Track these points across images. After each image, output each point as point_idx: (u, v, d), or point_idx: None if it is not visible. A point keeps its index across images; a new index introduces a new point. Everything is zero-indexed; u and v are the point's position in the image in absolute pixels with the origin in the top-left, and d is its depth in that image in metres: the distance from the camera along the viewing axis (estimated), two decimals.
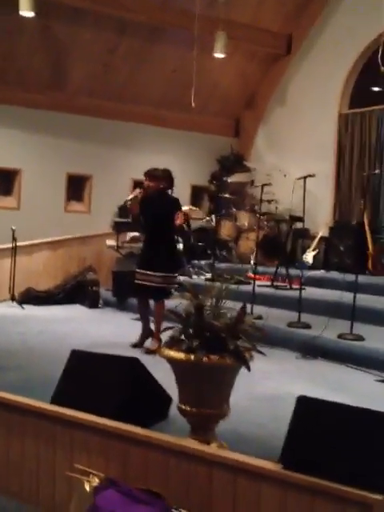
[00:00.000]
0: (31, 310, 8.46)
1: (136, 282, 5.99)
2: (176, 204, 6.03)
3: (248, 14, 10.12)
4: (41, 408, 3.32)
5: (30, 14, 7.93)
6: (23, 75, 9.50)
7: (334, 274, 8.43)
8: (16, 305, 8.63)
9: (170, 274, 5.96)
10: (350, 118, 10.04)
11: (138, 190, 6.09)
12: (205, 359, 3.04)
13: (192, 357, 3.06)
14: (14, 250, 8.82)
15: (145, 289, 5.98)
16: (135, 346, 6.03)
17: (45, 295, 9.18)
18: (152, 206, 5.97)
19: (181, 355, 3.10)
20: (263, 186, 7.40)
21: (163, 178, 6.02)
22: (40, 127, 9.82)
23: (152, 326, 6.14)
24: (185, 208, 10.12)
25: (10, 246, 8.83)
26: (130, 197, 6.12)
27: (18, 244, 8.87)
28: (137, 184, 10.16)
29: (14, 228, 8.75)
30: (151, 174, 6.02)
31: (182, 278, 8.60)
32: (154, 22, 9.61)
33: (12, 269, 8.81)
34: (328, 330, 5.97)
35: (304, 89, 10.65)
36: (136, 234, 9.74)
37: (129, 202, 6.12)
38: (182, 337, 3.21)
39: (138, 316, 7.60)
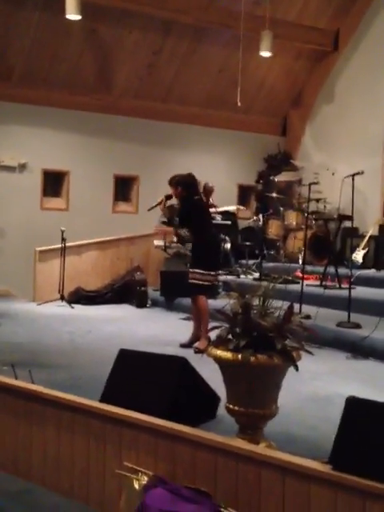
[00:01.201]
0: (80, 310, 8.57)
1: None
2: (185, 211, 6.20)
3: (294, 11, 10.05)
4: (90, 406, 3.36)
5: (77, 17, 8.03)
6: (70, 78, 9.63)
7: None
8: (65, 304, 8.76)
9: (201, 271, 6.01)
10: None
11: (160, 199, 6.40)
12: (252, 359, 3.03)
13: (239, 356, 3.05)
14: (64, 251, 8.96)
15: (189, 287, 6.13)
16: (184, 345, 6.06)
17: (93, 295, 9.29)
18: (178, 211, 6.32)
19: (228, 355, 3.09)
20: (311, 184, 7.33)
21: (177, 183, 6.18)
22: (87, 129, 9.94)
23: None
24: (232, 207, 10.15)
25: (59, 246, 8.97)
26: (155, 204, 6.48)
27: (67, 244, 9.00)
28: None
29: (63, 229, 8.89)
30: (170, 182, 6.31)
31: (229, 278, 8.63)
32: (200, 23, 9.62)
33: (62, 269, 8.95)
34: (379, 330, 5.86)
35: (352, 85, 10.49)
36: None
37: (150, 210, 6.59)
38: (230, 336, 3.21)
39: (186, 315, 7.67)
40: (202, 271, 6.03)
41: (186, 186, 6.19)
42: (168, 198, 6.35)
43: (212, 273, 6.12)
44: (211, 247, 6.29)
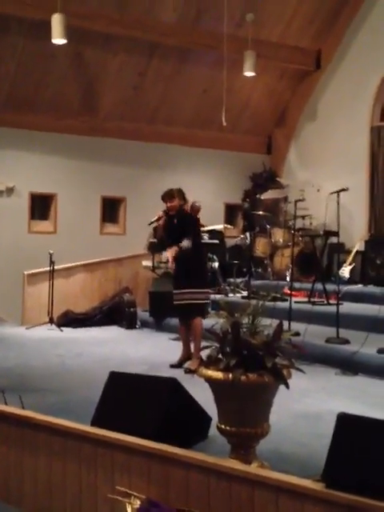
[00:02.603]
0: (70, 333, 8.54)
1: (174, 302, 6.09)
2: (189, 219, 6.16)
3: (276, 32, 10.18)
4: (82, 430, 3.34)
5: (62, 42, 8.08)
6: (56, 101, 9.68)
7: (372, 288, 8.34)
8: (55, 327, 8.73)
9: (199, 290, 5.99)
10: (382, 130, 9.97)
11: (160, 213, 6.28)
12: (243, 378, 3.03)
13: (230, 376, 3.05)
14: (52, 274, 8.94)
15: (181, 308, 6.06)
16: (174, 366, 6.05)
17: (83, 317, 9.27)
18: (173, 225, 6.15)
19: (219, 374, 3.10)
20: (297, 201, 7.38)
21: (179, 196, 6.17)
22: (73, 152, 9.98)
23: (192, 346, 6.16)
24: (219, 226, 10.19)
25: (47, 269, 8.96)
26: (153, 220, 6.36)
27: (55, 267, 8.99)
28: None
29: (51, 252, 8.88)
30: (168, 194, 6.19)
31: (218, 296, 8.64)
32: (183, 44, 9.73)
33: (50, 292, 8.92)
34: (367, 345, 5.89)
35: (334, 103, 10.62)
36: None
37: (154, 224, 6.34)
38: (220, 356, 3.21)
39: (176, 336, 7.65)
40: (199, 290, 6.02)
41: (183, 199, 6.20)
42: (166, 213, 6.22)
43: (208, 290, 6.14)
44: (205, 264, 6.30)
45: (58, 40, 8.04)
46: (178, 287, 6.10)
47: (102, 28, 9.00)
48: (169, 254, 6.12)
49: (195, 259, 6.10)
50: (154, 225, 6.51)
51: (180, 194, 6.20)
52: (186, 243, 5.95)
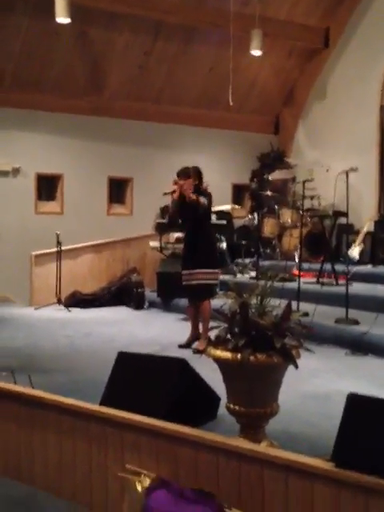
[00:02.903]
0: (78, 313, 8.56)
1: (182, 283, 6.06)
2: (206, 196, 6.07)
3: (283, 9, 10.05)
4: (91, 410, 3.35)
5: (66, 21, 8.01)
6: (61, 81, 9.62)
7: (382, 269, 8.30)
8: (63, 308, 8.75)
9: (209, 271, 5.97)
10: None
11: (176, 186, 6.07)
12: (251, 358, 3.03)
13: (238, 356, 3.05)
14: (60, 254, 8.95)
15: (190, 289, 6.03)
16: (183, 346, 6.05)
17: (91, 298, 9.29)
18: (185, 204, 6.00)
19: (227, 354, 3.09)
20: (305, 182, 7.33)
21: (194, 174, 6.06)
22: (80, 132, 9.93)
23: (201, 326, 6.15)
24: (227, 207, 10.16)
25: (55, 250, 8.96)
26: (169, 191, 6.17)
27: (62, 248, 8.99)
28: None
29: (58, 232, 8.87)
30: (184, 172, 6.06)
31: (226, 277, 8.63)
32: (189, 23, 9.62)
33: (58, 273, 8.93)
34: (377, 326, 5.87)
35: (343, 82, 10.51)
36: (180, 234, 9.77)
37: (168, 195, 6.20)
38: (228, 336, 3.20)
39: (184, 316, 7.66)
40: (209, 270, 5.99)
41: (199, 178, 6.08)
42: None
43: (218, 271, 6.11)
44: (215, 245, 6.26)
45: (62, 19, 7.98)
46: (186, 267, 6.06)
47: (106, 6, 8.90)
48: (187, 187, 5.86)
49: (205, 240, 6.04)
50: (168, 196, 6.29)
51: (196, 172, 6.07)
52: (203, 199, 5.88)
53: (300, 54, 10.93)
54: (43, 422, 3.53)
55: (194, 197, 5.85)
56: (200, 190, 6.08)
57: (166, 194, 6.29)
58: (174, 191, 6.07)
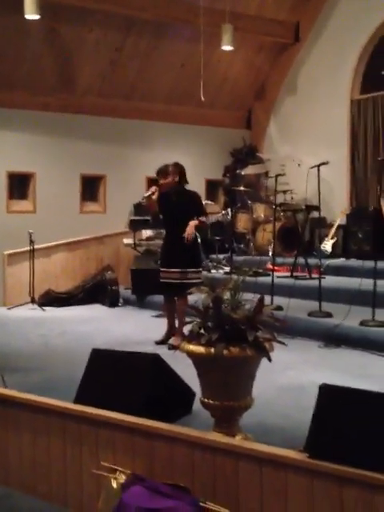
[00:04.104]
0: (52, 312, 8.51)
1: (160, 280, 6.03)
2: (194, 198, 6.06)
3: (253, 4, 10.07)
4: (65, 408, 3.34)
5: (35, 17, 7.94)
6: (31, 78, 9.53)
7: (354, 262, 8.38)
8: (36, 307, 8.69)
9: (191, 269, 5.95)
10: (362, 103, 9.95)
11: (153, 188, 6.10)
12: (225, 351, 3.04)
13: (212, 350, 3.06)
14: (32, 253, 8.88)
15: (168, 286, 6.02)
16: (159, 342, 6.05)
17: (65, 296, 9.24)
18: (170, 203, 5.99)
19: (201, 349, 3.10)
20: (277, 176, 7.37)
21: (174, 172, 6.02)
22: (51, 129, 9.85)
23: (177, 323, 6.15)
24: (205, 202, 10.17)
25: (27, 249, 8.89)
26: (146, 194, 6.16)
27: (35, 247, 8.93)
28: (152, 181, 10.24)
29: (31, 231, 8.81)
30: (162, 171, 6.05)
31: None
32: (160, 18, 9.59)
33: (31, 271, 8.87)
34: (350, 318, 5.93)
35: (314, 77, 10.57)
36: (151, 232, 9.77)
37: (144, 200, 6.21)
38: (202, 330, 3.21)
39: (158, 313, 7.66)
40: (194, 269, 5.97)
41: (180, 174, 6.04)
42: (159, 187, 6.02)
43: (201, 270, 6.11)
44: (199, 244, 6.26)
45: (31, 15, 7.90)
46: (167, 265, 6.00)
47: (76, 2, 8.82)
48: (189, 231, 5.87)
49: (184, 241, 5.96)
50: (144, 201, 6.27)
51: (177, 169, 6.02)
52: (204, 219, 5.99)
53: (271, 48, 10.96)
54: (17, 422, 3.51)
55: (193, 231, 5.90)
56: (183, 188, 6.05)
57: (144, 198, 6.24)
58: (153, 192, 6.05)
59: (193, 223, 5.90)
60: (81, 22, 9.29)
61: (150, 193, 6.10)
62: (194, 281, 5.82)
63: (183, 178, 6.10)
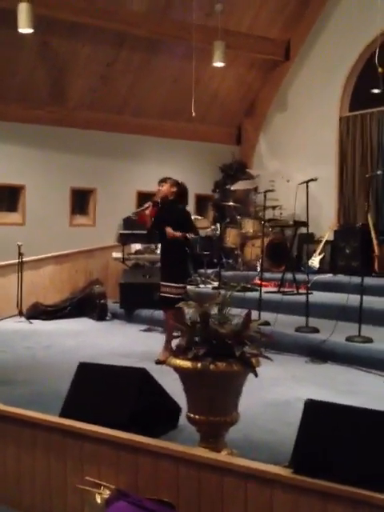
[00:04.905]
0: (39, 325, 8.48)
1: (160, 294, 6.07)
2: (182, 213, 6.08)
3: (245, 22, 10.18)
4: (50, 421, 3.33)
5: (29, 31, 7.98)
6: (23, 91, 9.56)
7: (341, 277, 8.41)
8: (24, 320, 8.66)
9: (174, 284, 5.95)
10: (351, 120, 10.06)
11: (147, 204, 6.15)
12: (211, 366, 3.04)
13: (198, 364, 3.06)
14: (21, 266, 8.86)
15: (162, 300, 6.02)
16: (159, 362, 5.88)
17: (52, 309, 9.20)
18: (162, 218, 6.04)
19: (187, 363, 3.10)
20: (266, 192, 7.41)
21: (172, 184, 6.05)
22: (42, 143, 9.87)
23: None
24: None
25: (16, 261, 8.87)
26: (138, 210, 6.21)
27: (24, 259, 8.91)
28: (141, 196, 10.27)
29: (20, 244, 8.79)
30: (163, 179, 6.12)
31: (188, 287, 8.64)
32: (152, 35, 9.67)
33: (19, 284, 8.84)
34: (336, 334, 5.95)
35: (304, 94, 10.67)
36: (140, 246, 9.78)
37: (134, 215, 6.26)
38: (189, 345, 3.21)
39: (147, 327, 7.66)
40: (176, 285, 5.97)
41: (181, 190, 6.06)
42: (155, 204, 6.07)
43: (184, 285, 6.10)
44: (185, 260, 6.24)
45: (25, 29, 7.94)
46: (160, 279, 6.09)
47: (68, 17, 8.88)
48: (170, 232, 5.90)
49: (178, 253, 6.01)
50: (134, 216, 6.35)
51: (175, 183, 6.05)
52: (191, 236, 6.02)
53: (261, 65, 11.06)
54: (2, 435, 3.49)
55: (177, 235, 5.89)
56: (176, 204, 6.06)
57: (134, 213, 6.31)
58: (147, 207, 6.10)
59: (175, 233, 5.92)
60: (73, 37, 9.35)
61: (143, 208, 6.15)
62: (175, 296, 5.77)
63: (182, 198, 6.11)
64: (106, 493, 3.00)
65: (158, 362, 5.68)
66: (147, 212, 6.10)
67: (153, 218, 6.10)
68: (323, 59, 10.34)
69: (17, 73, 9.36)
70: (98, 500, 2.98)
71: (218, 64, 9.56)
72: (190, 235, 6.04)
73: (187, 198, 6.22)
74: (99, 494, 3.01)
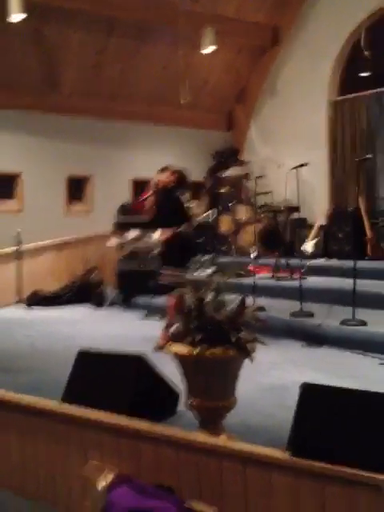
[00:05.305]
0: (38, 313, 8.51)
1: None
2: (177, 203, 6.12)
3: (232, 7, 10.12)
4: (52, 408, 3.38)
5: (20, 17, 7.92)
6: (16, 79, 9.51)
7: (334, 262, 8.48)
8: (23, 308, 8.69)
9: (175, 271, 6.01)
10: (340, 104, 10.08)
11: (149, 192, 6.20)
12: (208, 352, 3.10)
13: (195, 351, 3.11)
14: (20, 253, 8.86)
15: (164, 286, 6.07)
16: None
17: (51, 297, 9.21)
18: (160, 206, 6.10)
19: (184, 350, 3.16)
20: (257, 178, 7.43)
21: (172, 173, 6.07)
22: (36, 130, 9.84)
23: None
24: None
25: (14, 249, 8.87)
26: (141, 199, 6.25)
27: (22, 247, 8.91)
28: (137, 183, 10.28)
29: (19, 230, 8.78)
30: (163, 168, 6.14)
31: (183, 274, 8.67)
32: (141, 20, 9.62)
33: (18, 272, 8.86)
34: (331, 317, 6.01)
35: (293, 79, 10.67)
36: (136, 233, 9.78)
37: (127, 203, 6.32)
38: (185, 332, 3.27)
39: (144, 313, 7.71)
40: (179, 271, 6.01)
41: (180, 177, 6.10)
42: (155, 193, 6.13)
43: (178, 272, 6.15)
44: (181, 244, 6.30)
45: (16, 16, 7.88)
46: (163, 264, 6.17)
47: (59, 2, 8.82)
48: (161, 233, 6.02)
49: (171, 242, 6.05)
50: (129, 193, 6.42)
51: (175, 172, 6.07)
52: (184, 228, 6.03)
53: (250, 51, 11.03)
54: (5, 422, 3.54)
55: (167, 235, 5.97)
56: (170, 192, 6.09)
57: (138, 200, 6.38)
58: (151, 194, 6.16)
59: (165, 235, 5.99)
60: (64, 24, 9.28)
61: (148, 195, 6.21)
62: (175, 282, 5.83)
63: (181, 185, 6.16)
64: (109, 478, 3.06)
65: (157, 348, 5.74)
66: (152, 198, 6.17)
67: (154, 207, 6.15)
68: (311, 44, 10.32)
69: (8, 60, 9.28)
70: (101, 485, 3.04)
71: (207, 50, 9.54)
72: (181, 228, 6.07)
73: (187, 185, 6.24)
74: (101, 479, 3.07)
